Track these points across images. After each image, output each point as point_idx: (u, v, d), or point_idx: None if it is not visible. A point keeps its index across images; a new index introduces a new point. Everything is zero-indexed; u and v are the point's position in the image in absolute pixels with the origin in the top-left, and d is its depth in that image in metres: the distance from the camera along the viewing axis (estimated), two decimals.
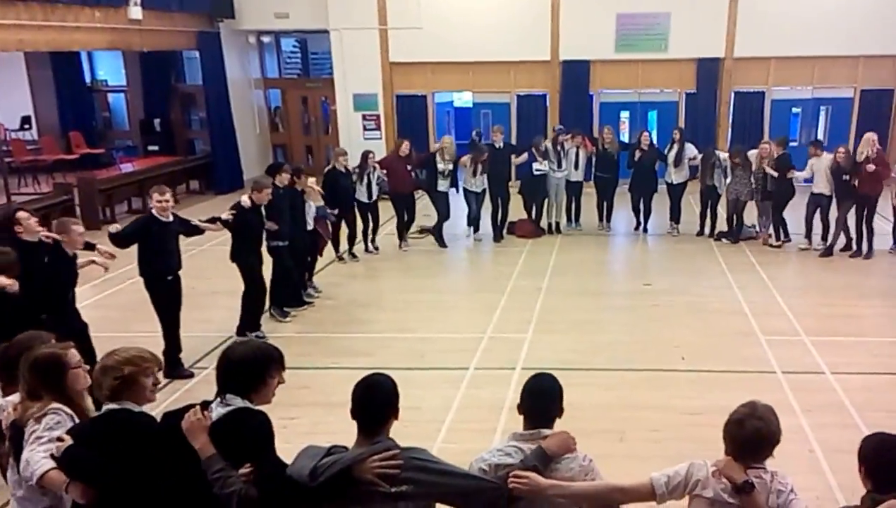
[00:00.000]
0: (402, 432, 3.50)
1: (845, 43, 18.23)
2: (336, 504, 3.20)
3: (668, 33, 18.77)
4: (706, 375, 8.26)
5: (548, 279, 12.27)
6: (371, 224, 13.54)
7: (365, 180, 13.02)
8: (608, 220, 15.27)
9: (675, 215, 14.86)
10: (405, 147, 13.73)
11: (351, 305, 11.22)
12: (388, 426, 3.36)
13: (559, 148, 14.52)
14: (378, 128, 20.18)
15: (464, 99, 21.95)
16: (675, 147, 14.43)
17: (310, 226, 11.07)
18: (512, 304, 11.07)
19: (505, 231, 14.72)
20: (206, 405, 3.50)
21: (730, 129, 19.34)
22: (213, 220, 9.24)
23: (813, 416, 7.32)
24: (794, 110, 19.67)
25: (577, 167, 14.68)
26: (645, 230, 14.99)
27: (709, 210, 14.49)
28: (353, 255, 13.38)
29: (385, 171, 13.30)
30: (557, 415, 3.63)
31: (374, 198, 13.25)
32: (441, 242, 14.20)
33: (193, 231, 9.02)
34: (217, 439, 3.33)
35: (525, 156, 14.41)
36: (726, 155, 14.24)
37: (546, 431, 3.52)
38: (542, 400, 3.60)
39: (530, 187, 14.62)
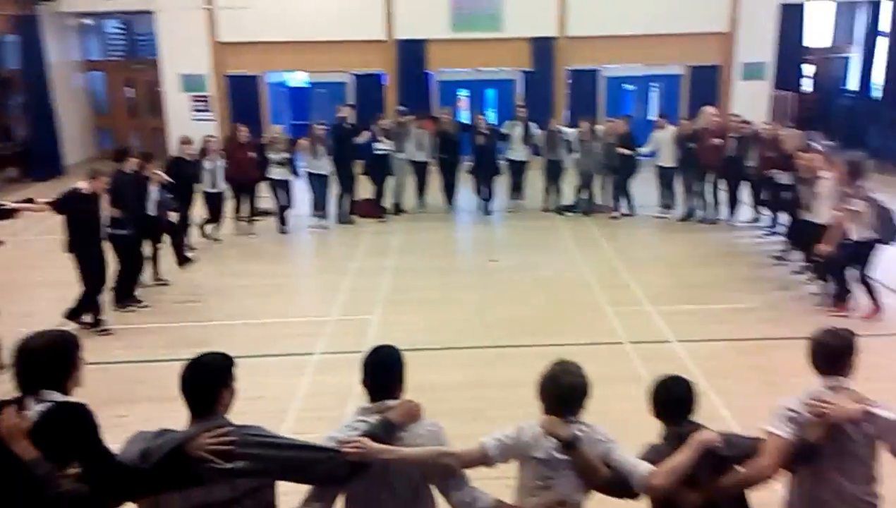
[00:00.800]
0: (242, 422, 3.40)
1: (673, 21, 19.20)
2: (172, 486, 3.14)
3: (502, 12, 19.23)
4: (556, 349, 8.41)
5: (394, 259, 12.33)
6: (216, 214, 13.24)
7: (208, 167, 12.71)
8: (452, 202, 15.50)
9: (520, 192, 15.36)
10: (244, 133, 13.47)
11: (189, 294, 10.89)
12: (220, 405, 3.31)
13: (401, 128, 14.72)
14: (208, 109, 19.75)
15: (298, 79, 21.77)
16: (520, 124, 14.87)
17: (152, 213, 10.72)
18: (357, 285, 11.06)
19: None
20: (19, 402, 3.26)
21: (567, 107, 19.96)
22: (29, 200, 8.79)
23: None
24: (627, 87, 20.58)
25: (420, 148, 14.90)
26: (488, 212, 15.20)
27: (554, 185, 15.08)
28: (191, 247, 13.02)
29: (225, 160, 13.04)
30: (401, 386, 3.69)
31: (219, 188, 13.01)
32: (283, 228, 14.01)
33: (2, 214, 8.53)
34: (39, 439, 3.14)
35: (366, 135, 14.39)
36: (572, 130, 14.81)
37: (391, 402, 3.58)
38: (382, 372, 3.67)
39: (374, 168, 14.76)
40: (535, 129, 14.91)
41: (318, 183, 14.15)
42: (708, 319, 9.60)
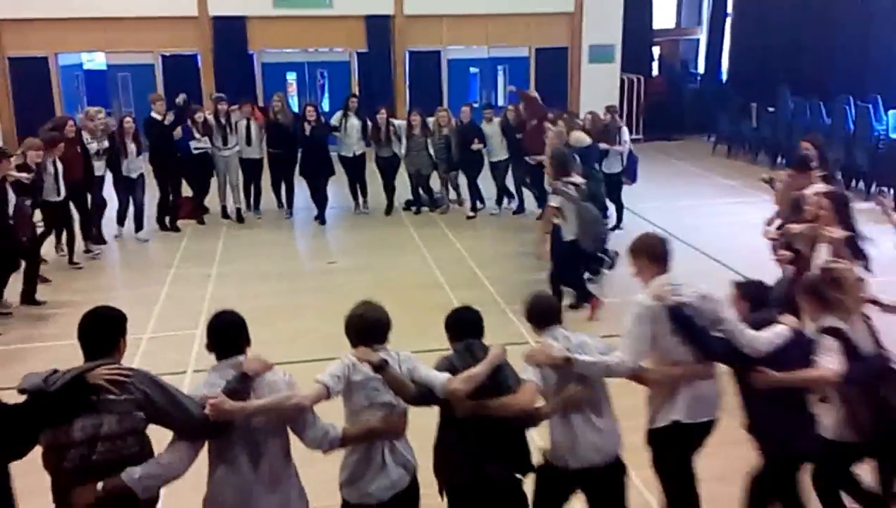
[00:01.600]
0: None
1: (518, 1, 19.04)
2: (69, 412, 3.48)
3: None
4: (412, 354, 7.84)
5: (217, 265, 11.27)
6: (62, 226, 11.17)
7: (51, 171, 10.35)
8: (289, 205, 13.81)
9: (363, 190, 13.92)
10: (70, 127, 11.17)
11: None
12: (117, 351, 3.78)
13: (223, 120, 12.98)
14: None
15: (96, 61, 20.26)
16: (352, 115, 13.30)
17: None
18: (176, 295, 10.15)
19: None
20: None
21: (407, 91, 19.42)
22: None
23: None
24: (472, 70, 20.18)
25: (249, 142, 13.14)
26: (323, 221, 13.54)
27: (389, 183, 13.85)
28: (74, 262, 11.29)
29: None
30: (247, 343, 4.09)
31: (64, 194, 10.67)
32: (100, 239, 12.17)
33: None
34: None
35: (179, 130, 12.57)
36: (402, 122, 13.61)
37: (241, 357, 3.98)
38: (230, 331, 4.06)
39: (191, 168, 12.91)
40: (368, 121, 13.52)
41: (128, 187, 12.23)
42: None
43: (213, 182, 13.47)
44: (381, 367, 4.04)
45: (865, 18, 16.88)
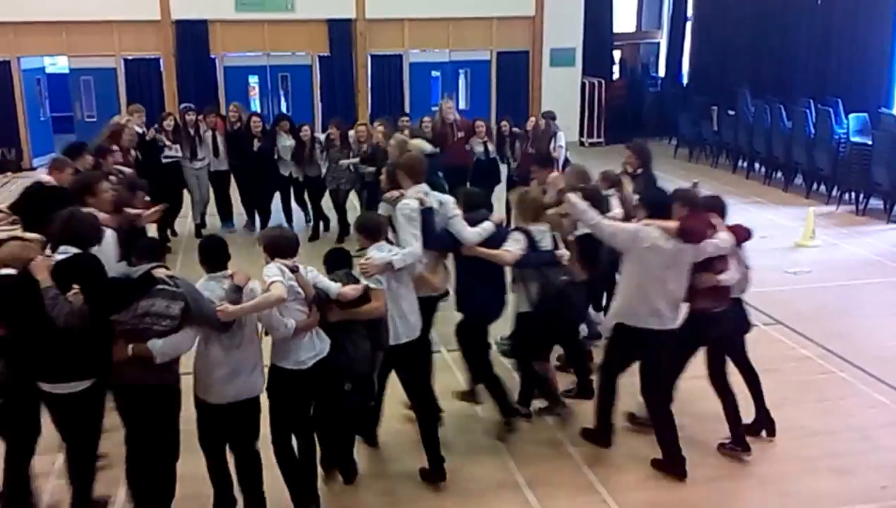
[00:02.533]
0: None
1: (478, 4, 18.53)
2: (140, 295, 4.67)
3: None
4: None
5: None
6: None
7: None
8: (253, 216, 12.53)
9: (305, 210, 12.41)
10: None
11: None
12: (163, 259, 5.32)
13: (192, 131, 11.78)
14: None
15: (58, 64, 19.61)
16: (287, 137, 11.76)
17: None
18: None
19: None
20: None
21: (370, 94, 18.93)
22: None
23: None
24: (434, 74, 19.67)
25: (216, 154, 12.00)
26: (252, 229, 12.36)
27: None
28: None
29: None
30: (228, 259, 5.10)
31: None
32: None
33: None
34: (57, 275, 4.65)
35: (151, 133, 11.46)
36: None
37: (227, 271, 5.05)
38: (217, 252, 5.09)
39: (161, 180, 11.02)
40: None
41: None
42: None
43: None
44: (294, 271, 5.07)
45: (826, 21, 16.56)
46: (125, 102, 17.42)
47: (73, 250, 4.77)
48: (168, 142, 11.50)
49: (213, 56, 18.17)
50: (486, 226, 6.07)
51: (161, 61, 18.01)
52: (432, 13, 18.43)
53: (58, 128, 18.77)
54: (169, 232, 11.87)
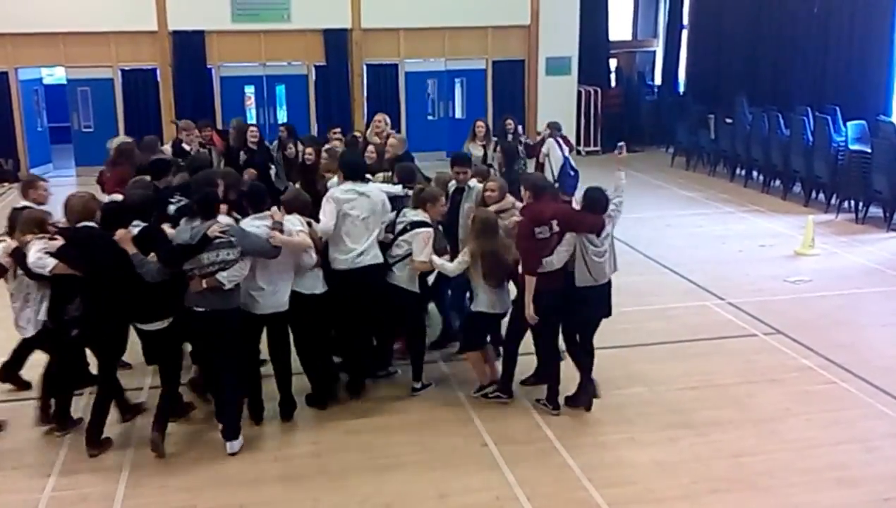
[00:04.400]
0: None
1: (473, 13, 18.53)
2: (205, 248, 5.89)
3: (289, 2, 18.01)
4: None
5: None
6: None
7: None
8: None
9: None
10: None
11: None
12: (217, 213, 6.18)
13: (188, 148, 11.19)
14: None
15: (56, 75, 19.59)
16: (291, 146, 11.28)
17: None
18: None
19: None
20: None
21: (365, 103, 18.83)
22: None
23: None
24: (429, 83, 19.54)
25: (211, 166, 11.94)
26: None
27: None
28: None
29: None
30: (268, 201, 6.60)
31: None
32: None
33: None
34: (138, 244, 5.94)
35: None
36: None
37: (267, 212, 6.38)
38: (259, 195, 6.63)
39: None
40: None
41: None
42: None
43: None
44: (309, 225, 6.56)
45: (823, 29, 16.50)
46: (122, 113, 17.72)
47: (142, 224, 6.14)
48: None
49: (209, 66, 18.14)
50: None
51: (158, 72, 18.00)
52: (428, 23, 18.43)
53: (55, 138, 18.82)
54: None
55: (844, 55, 15.85)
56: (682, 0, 21.04)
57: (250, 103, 18.50)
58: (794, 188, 14.99)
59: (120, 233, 5.93)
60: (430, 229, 6.90)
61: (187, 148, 10.86)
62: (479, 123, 11.26)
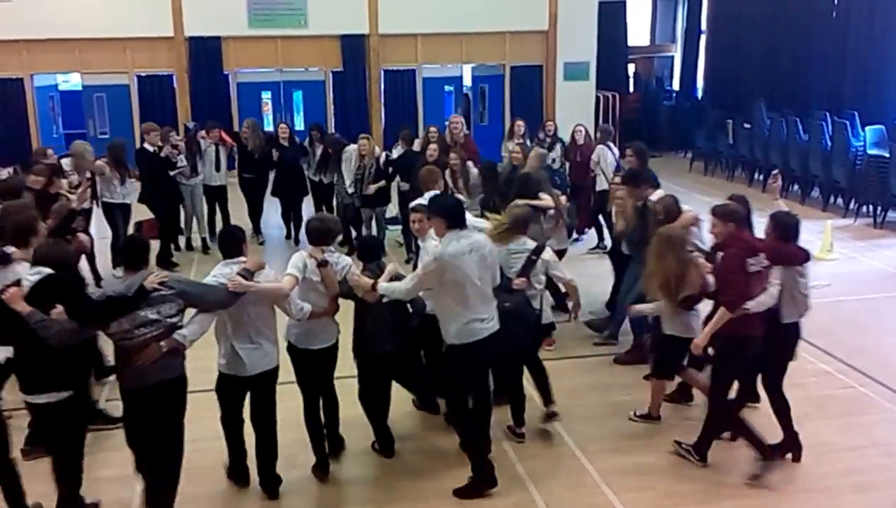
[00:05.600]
0: None
1: (491, 19, 18.63)
2: (139, 304, 4.87)
3: (306, 8, 18.14)
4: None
5: None
6: None
7: None
8: (257, 230, 12.97)
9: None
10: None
11: None
12: (146, 263, 5.15)
13: (194, 149, 12.05)
14: None
15: (71, 82, 19.87)
16: (319, 145, 12.33)
17: None
18: None
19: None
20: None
21: (383, 110, 19.01)
22: None
23: None
24: (447, 88, 19.82)
25: (217, 168, 12.30)
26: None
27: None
28: None
29: None
30: (245, 249, 5.58)
31: None
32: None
33: None
34: (34, 299, 4.85)
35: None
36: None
37: (242, 258, 5.47)
38: (233, 240, 5.59)
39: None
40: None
41: (121, 216, 10.99)
42: None
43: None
44: (322, 264, 5.66)
45: (841, 33, 16.64)
46: (138, 119, 17.57)
47: (47, 271, 5.11)
48: (177, 157, 11.52)
49: (226, 72, 18.28)
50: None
51: (174, 78, 18.10)
52: (445, 28, 18.52)
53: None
54: (173, 246, 12.04)
55: (863, 60, 15.99)
56: (701, 5, 21.29)
57: (267, 109, 18.67)
58: (813, 193, 15.08)
59: (10, 293, 4.86)
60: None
61: (150, 149, 11.21)
62: (519, 122, 11.92)
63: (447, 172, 9.81)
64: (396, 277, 5.83)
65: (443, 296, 5.56)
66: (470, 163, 10.17)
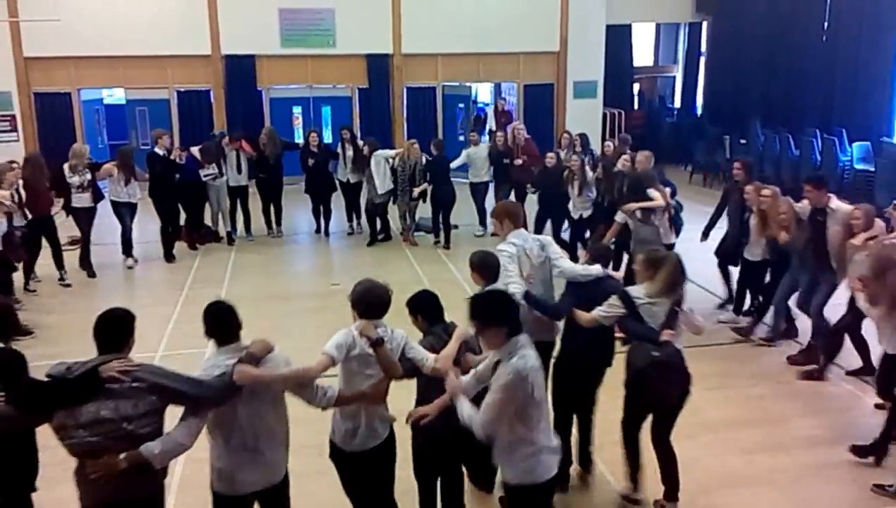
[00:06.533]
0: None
1: (507, 40, 19.31)
2: (86, 397, 3.72)
3: (334, 29, 18.69)
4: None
5: (227, 286, 11.34)
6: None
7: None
8: (278, 224, 14.38)
9: (356, 213, 14.41)
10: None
11: None
12: (126, 347, 4.07)
13: (219, 152, 13.43)
14: (14, 129, 17.95)
15: (115, 96, 20.37)
16: (349, 146, 13.78)
17: None
18: (187, 317, 10.05)
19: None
20: None
21: (405, 124, 19.59)
22: None
23: None
24: (461, 105, 20.31)
25: (239, 171, 13.62)
26: (326, 233, 14.36)
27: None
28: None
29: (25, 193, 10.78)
30: (240, 329, 4.35)
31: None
32: (89, 271, 12.05)
33: None
34: None
35: (183, 155, 13.04)
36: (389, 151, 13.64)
37: (244, 342, 4.26)
38: (226, 321, 4.32)
39: (193, 192, 13.22)
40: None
41: (127, 213, 12.30)
42: None
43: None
44: (377, 344, 4.45)
45: (831, 56, 17.17)
46: (178, 131, 18.32)
47: None
48: (205, 162, 13.04)
49: (259, 88, 18.86)
50: (592, 270, 5.89)
51: (211, 93, 18.68)
52: (464, 49, 19.13)
53: (116, 154, 19.56)
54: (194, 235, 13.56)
55: (850, 81, 16.52)
56: (701, 29, 21.82)
57: (298, 123, 19.17)
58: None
59: None
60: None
61: (160, 152, 12.60)
62: (565, 134, 13.28)
63: (565, 173, 11.64)
64: (470, 347, 4.92)
65: (509, 423, 4.27)
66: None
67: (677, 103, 23.43)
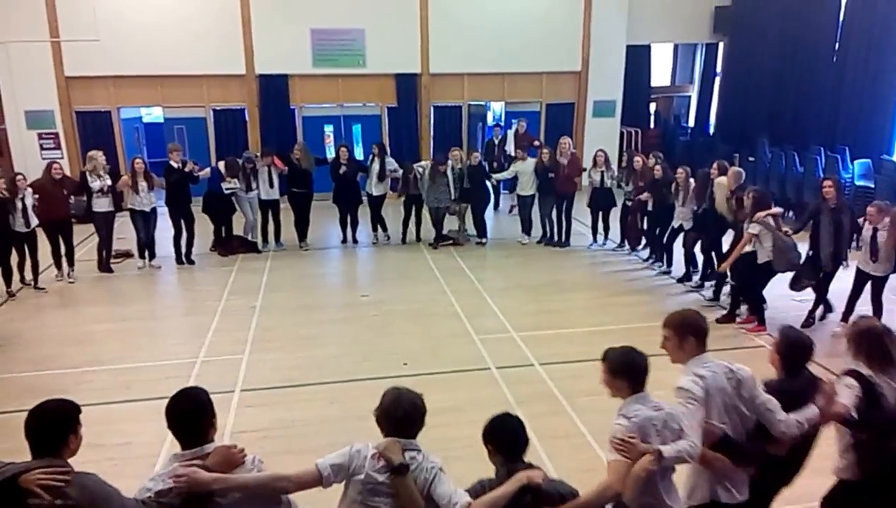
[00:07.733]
0: (112, 471, 3.16)
1: (531, 60, 19.57)
2: None
3: (364, 49, 18.87)
4: (428, 377, 8.21)
5: (261, 297, 11.66)
6: (28, 256, 11.84)
7: (19, 207, 11.39)
8: (303, 236, 14.77)
9: (382, 224, 14.95)
10: (56, 169, 12.17)
11: (40, 341, 9.83)
12: (66, 450, 3.21)
13: (249, 168, 13.93)
14: (58, 147, 18.26)
15: (154, 114, 20.68)
16: (377, 161, 14.43)
17: None
18: (225, 325, 10.39)
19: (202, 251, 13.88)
20: None
21: (432, 141, 19.78)
22: None
23: (527, 407, 7.34)
24: (488, 123, 20.57)
25: (271, 185, 14.12)
26: (355, 241, 14.89)
27: (413, 217, 14.84)
28: (39, 287, 11.94)
29: (37, 196, 11.73)
30: (213, 429, 3.51)
31: (32, 226, 11.65)
32: (107, 267, 13.06)
33: None
34: None
35: (207, 171, 13.80)
36: (425, 163, 14.61)
37: (208, 447, 3.41)
38: (191, 418, 3.44)
39: (213, 206, 13.97)
40: (392, 164, 14.67)
41: (141, 222, 13.08)
42: (564, 341, 9.68)
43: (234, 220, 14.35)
44: (399, 471, 3.49)
45: (838, 78, 17.31)
46: (214, 148, 18.60)
47: None
48: (227, 176, 13.69)
49: (292, 107, 19.02)
50: (810, 416, 4.40)
51: (246, 111, 18.86)
52: (490, 69, 19.32)
53: (154, 171, 19.65)
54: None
55: (856, 102, 16.72)
56: (717, 51, 21.92)
57: (329, 141, 19.30)
58: None
59: None
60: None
61: (174, 165, 13.34)
62: (600, 152, 13.81)
63: (672, 185, 12.19)
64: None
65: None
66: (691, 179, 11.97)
67: (691, 122, 23.48)
